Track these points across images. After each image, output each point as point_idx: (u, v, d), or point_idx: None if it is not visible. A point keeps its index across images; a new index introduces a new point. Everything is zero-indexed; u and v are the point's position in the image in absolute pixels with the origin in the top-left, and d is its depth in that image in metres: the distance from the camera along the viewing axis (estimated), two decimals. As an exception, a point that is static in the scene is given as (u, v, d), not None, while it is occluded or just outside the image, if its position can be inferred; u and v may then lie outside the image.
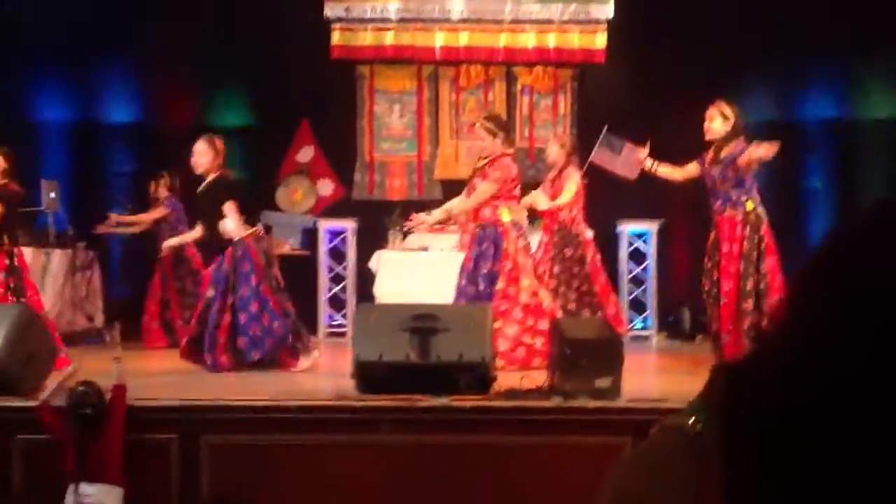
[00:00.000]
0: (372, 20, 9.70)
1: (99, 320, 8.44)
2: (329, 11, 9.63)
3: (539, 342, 6.13)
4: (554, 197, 7.36)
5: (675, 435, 0.77)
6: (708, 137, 6.22)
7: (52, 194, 8.24)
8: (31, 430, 4.34)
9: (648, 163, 6.54)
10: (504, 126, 6.82)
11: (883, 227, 0.72)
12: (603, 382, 4.62)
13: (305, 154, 9.79)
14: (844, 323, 0.69)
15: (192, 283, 8.01)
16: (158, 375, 5.89)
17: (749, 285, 5.98)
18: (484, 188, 6.42)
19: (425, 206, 9.60)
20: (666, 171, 6.53)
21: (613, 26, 9.50)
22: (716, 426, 0.74)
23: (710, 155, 6.23)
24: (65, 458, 4.12)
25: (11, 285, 6.25)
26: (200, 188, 6.43)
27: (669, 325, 9.04)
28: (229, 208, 6.22)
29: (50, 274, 7.87)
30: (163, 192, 8.38)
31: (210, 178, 6.38)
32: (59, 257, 8.10)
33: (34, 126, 9.45)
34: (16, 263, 6.38)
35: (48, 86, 9.64)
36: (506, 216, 6.42)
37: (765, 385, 0.71)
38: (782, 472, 0.68)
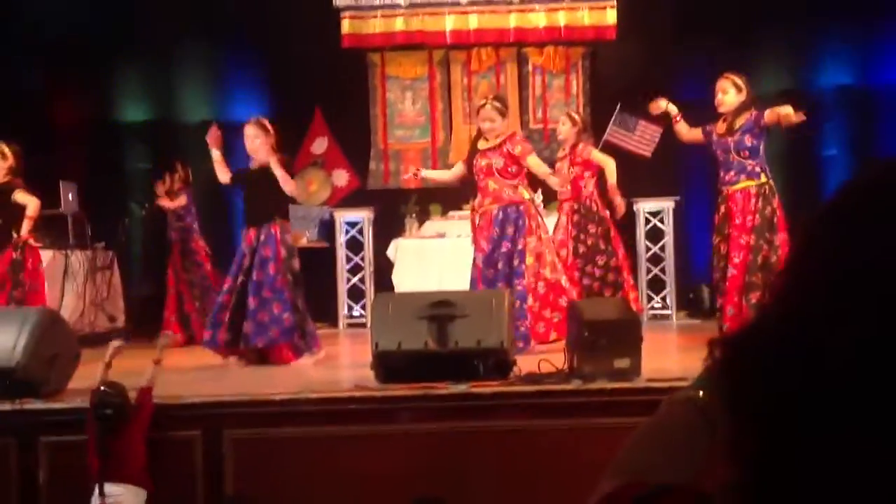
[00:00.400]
0: (381, 7, 9.69)
1: (121, 320, 8.50)
2: (338, 0, 9.62)
3: (557, 317, 6.16)
4: (578, 176, 7.43)
5: (682, 406, 0.78)
6: (722, 110, 6.18)
7: (70, 196, 8.29)
8: (55, 432, 4.38)
9: (673, 110, 6.48)
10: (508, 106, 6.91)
11: (869, 196, 0.72)
12: (622, 363, 4.60)
13: (319, 145, 9.81)
14: (838, 293, 0.69)
15: (199, 275, 8.07)
16: (179, 372, 5.92)
17: (759, 259, 5.95)
18: (537, 160, 6.50)
19: (441, 193, 9.63)
20: (681, 126, 6.49)
21: (623, 2, 9.44)
22: (717, 396, 0.74)
23: (721, 126, 6.20)
24: (89, 457, 4.15)
25: (15, 278, 6.40)
26: (254, 166, 6.37)
27: (689, 302, 9.01)
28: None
29: (70, 275, 7.93)
30: (178, 185, 8.40)
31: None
32: (78, 258, 8.16)
33: (52, 129, 9.50)
34: (19, 257, 6.53)
35: (64, 87, 9.69)
36: (526, 194, 6.43)
37: (763, 355, 0.71)
38: (781, 437, 0.68)
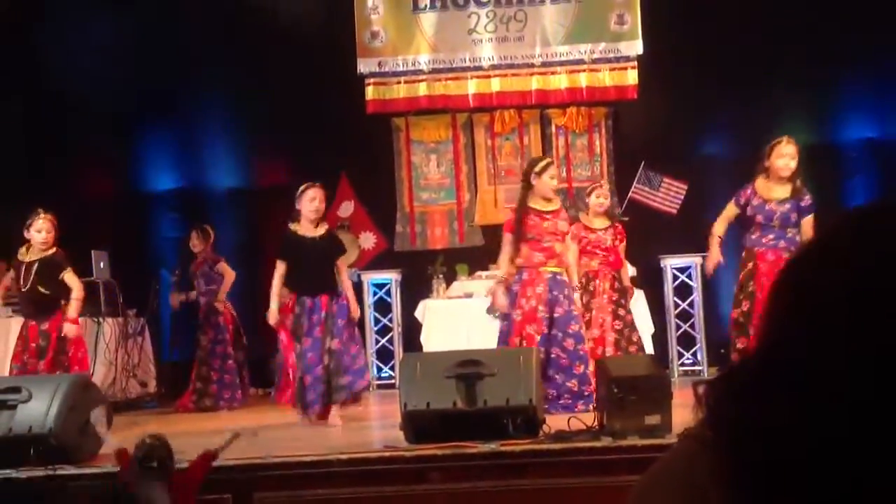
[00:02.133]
0: (404, 73, 9.85)
1: (151, 386, 8.55)
2: (362, 67, 9.81)
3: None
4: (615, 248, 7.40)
5: (691, 443, 0.79)
6: (784, 175, 6.24)
7: (102, 264, 8.41)
8: (88, 499, 4.39)
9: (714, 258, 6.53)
10: None
11: (839, 243, 0.74)
12: (653, 420, 4.58)
13: (346, 209, 9.90)
14: (812, 342, 0.71)
15: (213, 338, 8.07)
16: (206, 435, 5.92)
17: None
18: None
19: (467, 253, 9.68)
20: (716, 245, 6.51)
21: (644, 62, 9.54)
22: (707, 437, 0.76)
23: (764, 187, 6.24)
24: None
25: (62, 346, 6.45)
26: (309, 233, 6.49)
27: (720, 358, 8.92)
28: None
29: (102, 342, 8.01)
30: (202, 244, 8.39)
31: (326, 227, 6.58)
32: (110, 326, 8.25)
33: (83, 198, 9.68)
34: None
35: (93, 156, 9.89)
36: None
37: (737, 400, 0.73)
38: (760, 481, 0.69)
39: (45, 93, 9.36)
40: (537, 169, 6.38)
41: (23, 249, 6.61)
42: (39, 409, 4.70)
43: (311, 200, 6.43)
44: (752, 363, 0.75)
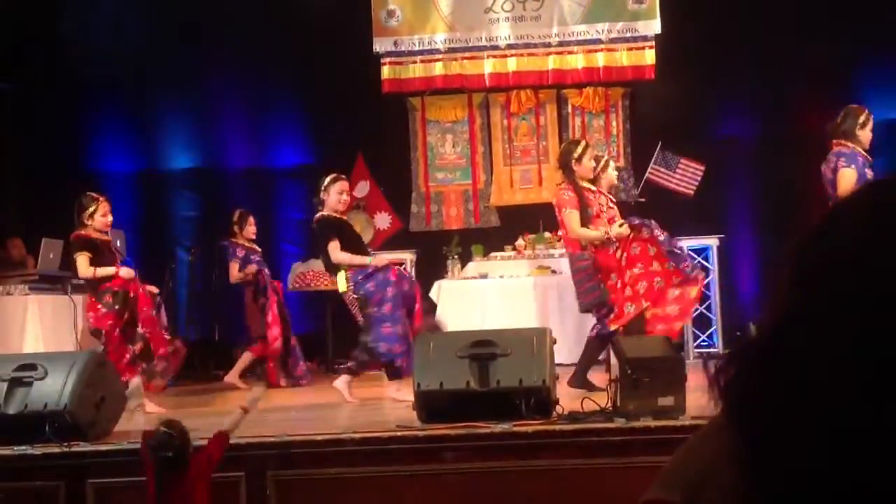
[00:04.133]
0: (420, 52, 9.81)
1: (167, 363, 8.57)
2: (378, 46, 9.77)
3: None
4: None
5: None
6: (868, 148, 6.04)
7: (118, 243, 8.42)
8: (102, 474, 4.42)
9: None
10: None
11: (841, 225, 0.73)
12: (666, 401, 4.56)
13: (361, 189, 9.89)
14: (805, 324, 0.69)
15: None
16: (221, 415, 5.94)
17: None
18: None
19: (483, 233, 9.67)
20: None
21: (661, 42, 9.47)
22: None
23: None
24: (147, 501, 3.97)
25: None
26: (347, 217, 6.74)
27: (736, 341, 8.89)
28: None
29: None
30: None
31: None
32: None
33: (99, 177, 9.71)
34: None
35: (111, 136, 9.92)
36: None
37: (742, 377, 0.72)
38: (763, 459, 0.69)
39: (61, 70, 9.38)
40: (576, 154, 6.37)
41: (92, 231, 6.62)
42: (55, 385, 4.73)
43: (339, 193, 6.52)
44: (760, 339, 0.74)
